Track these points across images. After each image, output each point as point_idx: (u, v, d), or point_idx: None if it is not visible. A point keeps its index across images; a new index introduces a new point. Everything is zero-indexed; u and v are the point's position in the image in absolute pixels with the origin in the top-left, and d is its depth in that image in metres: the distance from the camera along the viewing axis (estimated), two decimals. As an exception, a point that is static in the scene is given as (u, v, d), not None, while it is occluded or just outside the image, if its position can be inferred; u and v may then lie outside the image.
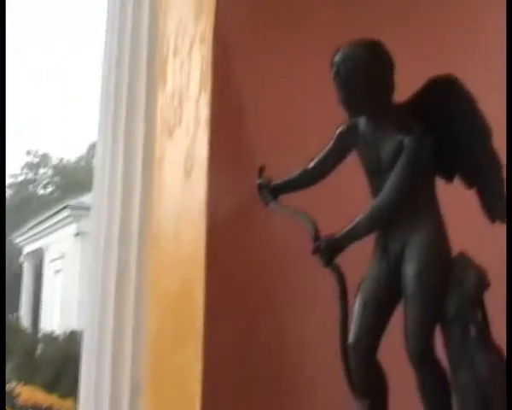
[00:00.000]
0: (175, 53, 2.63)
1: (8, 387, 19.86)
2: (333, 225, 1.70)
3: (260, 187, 1.86)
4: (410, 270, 1.67)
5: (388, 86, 1.72)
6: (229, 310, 2.21)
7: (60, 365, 17.34)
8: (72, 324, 20.43)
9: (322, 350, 2.00)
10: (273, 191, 1.84)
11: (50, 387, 16.99)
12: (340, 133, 1.80)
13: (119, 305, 2.63)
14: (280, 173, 1.85)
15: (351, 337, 1.68)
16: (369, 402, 1.69)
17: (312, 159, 1.83)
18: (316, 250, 1.68)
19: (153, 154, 2.73)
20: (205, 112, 2.32)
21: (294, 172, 1.85)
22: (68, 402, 14.82)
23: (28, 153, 46.67)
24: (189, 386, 2.20)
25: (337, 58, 1.72)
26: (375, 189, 1.72)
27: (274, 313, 2.26)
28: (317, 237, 1.69)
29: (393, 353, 1.66)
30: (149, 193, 2.70)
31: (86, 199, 22.78)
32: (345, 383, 1.69)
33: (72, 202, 24.16)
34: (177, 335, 2.39)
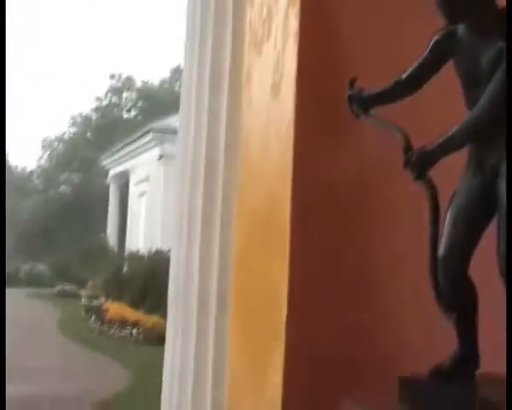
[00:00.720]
0: (263, -34, 2.59)
1: (96, 303, 20.90)
2: (426, 139, 1.66)
3: (351, 99, 1.83)
4: (505, 185, 1.62)
5: None
6: (316, 225, 2.23)
7: (145, 282, 18.00)
8: (157, 243, 21.09)
9: (412, 265, 1.99)
10: (364, 104, 1.80)
11: (136, 303, 17.72)
12: (437, 42, 1.73)
13: (206, 222, 2.68)
14: (372, 85, 1.81)
15: (441, 250, 1.66)
16: (457, 316, 1.68)
17: (406, 70, 1.78)
18: (407, 163, 1.65)
19: (240, 71, 2.72)
20: (293, 25, 2.29)
21: (387, 83, 1.81)
22: (154, 318, 15.44)
23: (112, 77, 47.40)
24: (276, 300, 2.24)
25: None
26: (472, 100, 1.65)
27: (363, 228, 2.25)
28: (408, 150, 1.66)
29: (485, 269, 1.63)
30: (237, 111, 2.70)
31: (169, 122, 23.16)
32: (433, 298, 1.68)
33: (155, 125, 24.57)
34: (264, 249, 2.42)
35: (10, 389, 11.30)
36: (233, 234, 2.64)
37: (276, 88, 2.39)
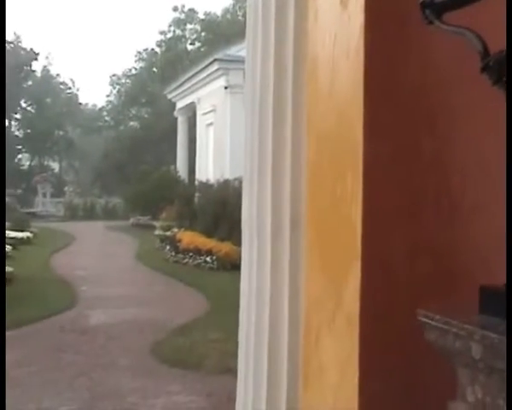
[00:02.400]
0: None
1: (170, 233, 21.39)
2: (502, 43, 1.60)
3: (423, 6, 1.78)
4: None
5: None
6: (389, 139, 2.20)
7: (216, 211, 18.30)
8: (225, 172, 21.32)
9: (486, 175, 1.96)
10: (437, 10, 1.75)
11: (209, 232, 18.08)
12: None
13: (277, 146, 2.68)
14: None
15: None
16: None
17: (481, -29, 1.70)
18: (485, 68, 1.60)
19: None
20: None
21: (461, -13, 1.74)
22: (226, 245, 15.76)
23: (175, 9, 47.23)
24: (349, 216, 2.24)
25: None
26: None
27: (436, 138, 2.21)
28: (485, 55, 1.61)
29: None
30: (304, 31, 2.65)
31: (233, 51, 23.04)
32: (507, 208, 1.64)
33: (219, 55, 24.51)
34: (336, 167, 2.41)
35: (96, 317, 11.82)
36: (305, 155, 2.63)
37: (344, 2, 2.34)
